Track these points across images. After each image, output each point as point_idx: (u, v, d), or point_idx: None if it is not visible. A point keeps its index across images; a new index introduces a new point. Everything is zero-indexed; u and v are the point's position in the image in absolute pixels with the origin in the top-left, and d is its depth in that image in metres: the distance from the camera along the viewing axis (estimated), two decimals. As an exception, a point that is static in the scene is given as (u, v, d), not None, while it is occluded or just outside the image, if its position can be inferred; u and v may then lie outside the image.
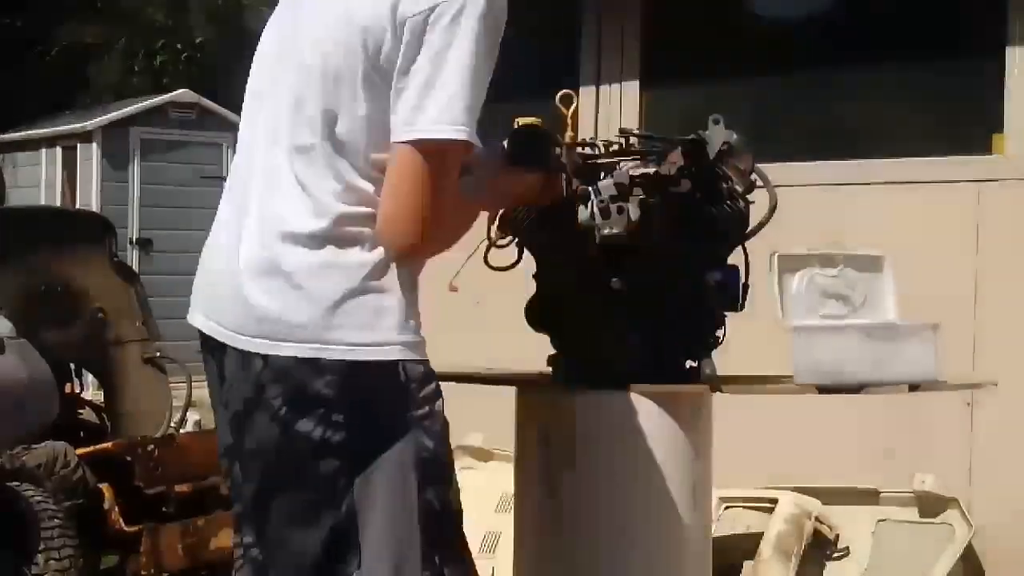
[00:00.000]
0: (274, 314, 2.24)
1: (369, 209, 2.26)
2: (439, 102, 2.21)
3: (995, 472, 4.41)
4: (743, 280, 2.66)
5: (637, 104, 5.11)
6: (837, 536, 4.34)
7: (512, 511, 2.82)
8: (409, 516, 2.25)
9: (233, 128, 13.70)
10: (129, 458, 4.67)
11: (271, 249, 2.26)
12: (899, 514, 4.33)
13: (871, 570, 4.27)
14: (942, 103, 4.77)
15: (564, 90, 2.69)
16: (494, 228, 2.75)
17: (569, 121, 2.70)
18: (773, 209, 2.66)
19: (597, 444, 2.62)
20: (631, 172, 2.71)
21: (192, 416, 5.99)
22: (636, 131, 2.81)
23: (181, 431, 5.34)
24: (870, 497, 4.38)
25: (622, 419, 2.61)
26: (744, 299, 2.65)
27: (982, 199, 4.49)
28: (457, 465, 5.49)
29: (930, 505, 4.29)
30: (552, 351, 2.77)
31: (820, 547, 4.32)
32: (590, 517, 2.63)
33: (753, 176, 2.70)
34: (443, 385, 2.77)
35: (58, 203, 12.10)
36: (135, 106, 12.54)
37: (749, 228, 2.68)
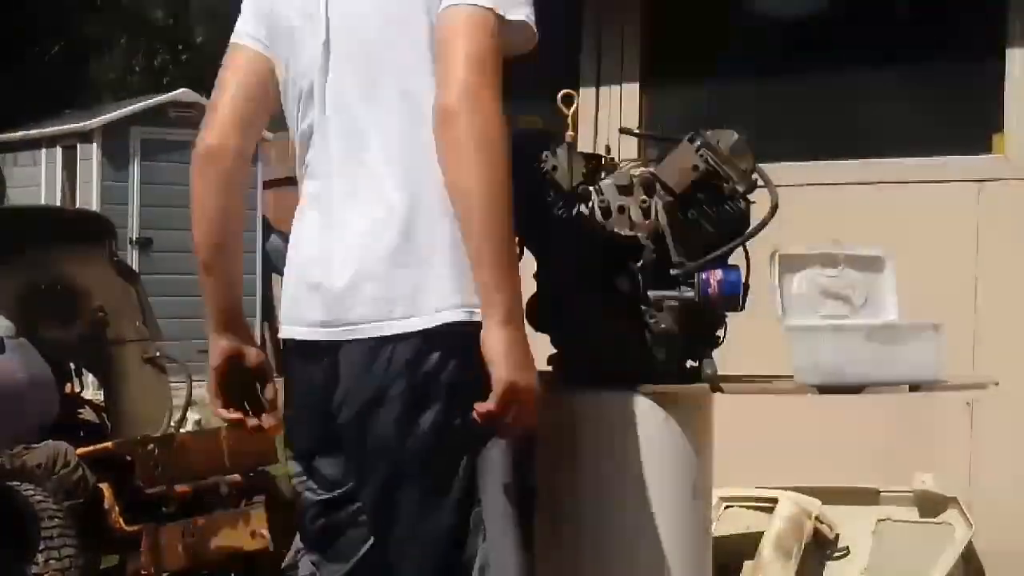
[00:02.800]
0: None
1: None
2: None
3: (995, 471, 4.41)
4: (744, 280, 2.66)
5: (637, 105, 5.10)
6: (837, 536, 4.34)
7: (512, 511, 2.82)
8: (514, 492, 2.33)
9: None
10: (129, 458, 4.68)
11: None
12: (899, 514, 4.33)
13: (871, 570, 4.27)
14: (942, 103, 4.77)
15: (565, 90, 2.69)
16: None
17: (570, 121, 2.70)
18: (774, 209, 2.66)
19: (597, 444, 2.62)
20: (632, 172, 2.71)
21: (192, 416, 6.00)
22: (636, 130, 2.82)
23: (181, 431, 5.35)
24: (870, 497, 4.38)
25: (622, 419, 2.61)
26: (745, 299, 2.66)
27: (982, 199, 4.49)
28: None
29: (930, 505, 4.29)
30: (552, 351, 2.77)
31: (820, 547, 4.32)
32: (590, 517, 2.63)
33: (754, 176, 2.70)
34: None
35: (58, 203, 12.10)
36: (135, 106, 12.55)
37: (750, 228, 2.68)
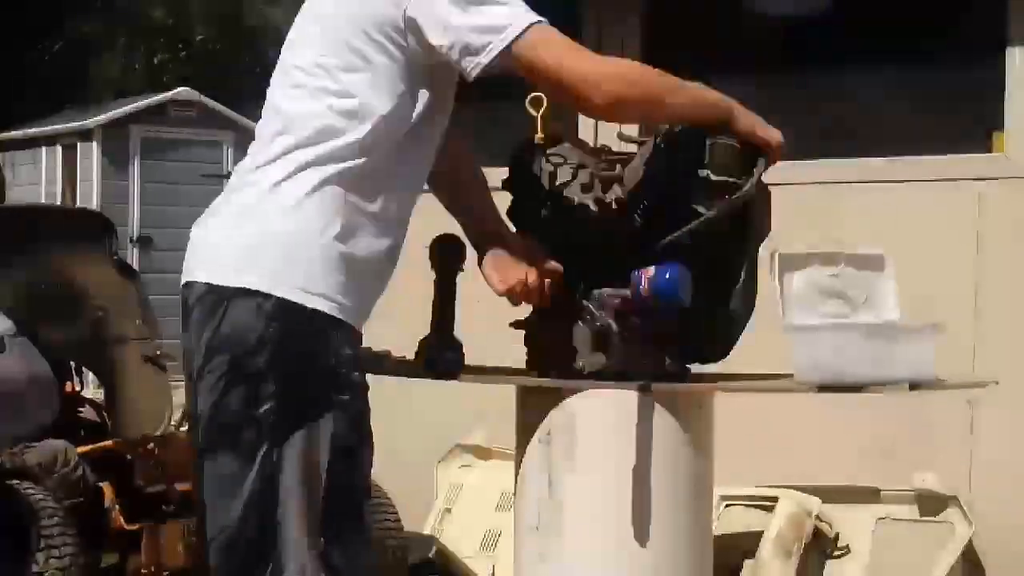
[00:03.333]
0: None
1: None
2: None
3: (995, 470, 4.41)
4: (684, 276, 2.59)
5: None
6: (837, 535, 4.34)
7: (512, 510, 2.83)
8: (319, 492, 2.39)
9: (233, 126, 13.76)
10: (129, 456, 4.68)
11: None
12: (899, 513, 4.33)
13: (871, 569, 4.28)
14: (942, 102, 4.77)
15: (534, 93, 2.69)
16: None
17: (539, 123, 2.71)
18: (729, 207, 2.60)
19: (597, 441, 2.62)
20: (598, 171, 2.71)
21: (192, 414, 5.99)
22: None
23: (181, 429, 5.35)
24: (870, 496, 4.38)
25: (622, 419, 2.61)
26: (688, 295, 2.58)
27: (982, 198, 4.49)
28: (457, 463, 5.53)
29: (930, 504, 4.29)
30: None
31: (820, 546, 4.32)
32: (590, 515, 2.63)
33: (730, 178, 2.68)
34: (448, 384, 2.79)
35: (58, 201, 12.09)
36: (135, 104, 12.54)
37: (689, 225, 2.61)
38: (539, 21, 2.43)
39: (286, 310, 2.36)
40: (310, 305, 2.37)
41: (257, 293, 2.38)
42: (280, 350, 2.36)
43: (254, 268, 2.39)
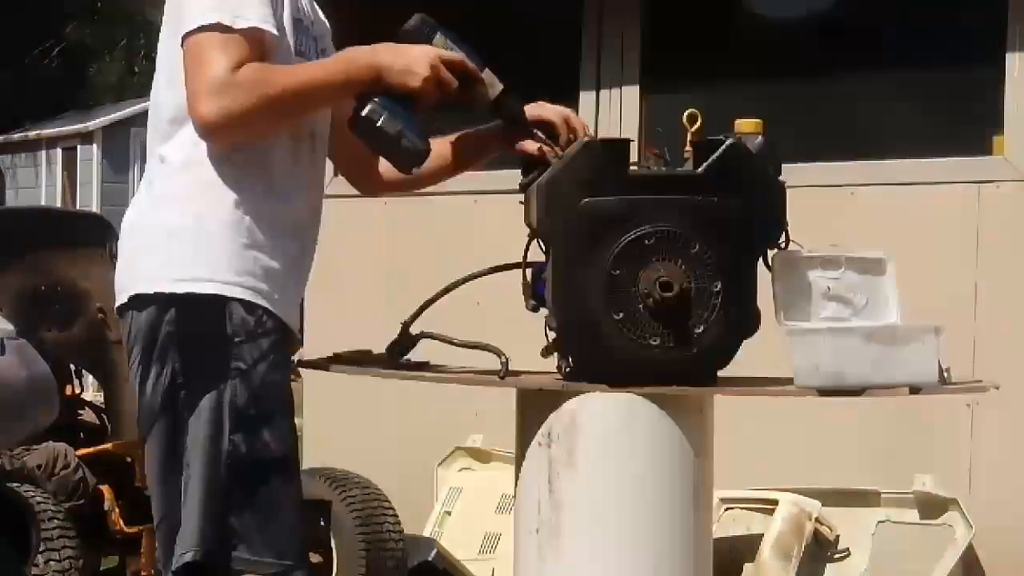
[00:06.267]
0: None
1: None
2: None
3: (996, 473, 4.41)
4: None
5: (637, 108, 5.10)
6: (837, 537, 4.34)
7: (512, 512, 2.83)
8: (220, 458, 2.44)
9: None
10: (129, 459, 4.68)
11: None
12: (899, 515, 4.33)
13: (871, 571, 4.28)
14: (942, 104, 4.77)
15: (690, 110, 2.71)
16: None
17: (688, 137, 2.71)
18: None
19: (597, 444, 2.62)
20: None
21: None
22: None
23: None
24: (870, 498, 4.38)
25: (622, 419, 2.61)
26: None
27: (982, 200, 4.49)
28: (457, 466, 5.51)
29: (930, 506, 4.30)
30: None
31: (820, 548, 4.33)
32: (590, 517, 2.63)
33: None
34: (448, 386, 2.78)
35: (58, 204, 12.10)
36: (135, 107, 12.54)
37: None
38: (219, 26, 2.32)
39: (170, 300, 2.46)
40: (181, 291, 2.44)
41: (146, 297, 2.50)
42: (174, 334, 2.48)
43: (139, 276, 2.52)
